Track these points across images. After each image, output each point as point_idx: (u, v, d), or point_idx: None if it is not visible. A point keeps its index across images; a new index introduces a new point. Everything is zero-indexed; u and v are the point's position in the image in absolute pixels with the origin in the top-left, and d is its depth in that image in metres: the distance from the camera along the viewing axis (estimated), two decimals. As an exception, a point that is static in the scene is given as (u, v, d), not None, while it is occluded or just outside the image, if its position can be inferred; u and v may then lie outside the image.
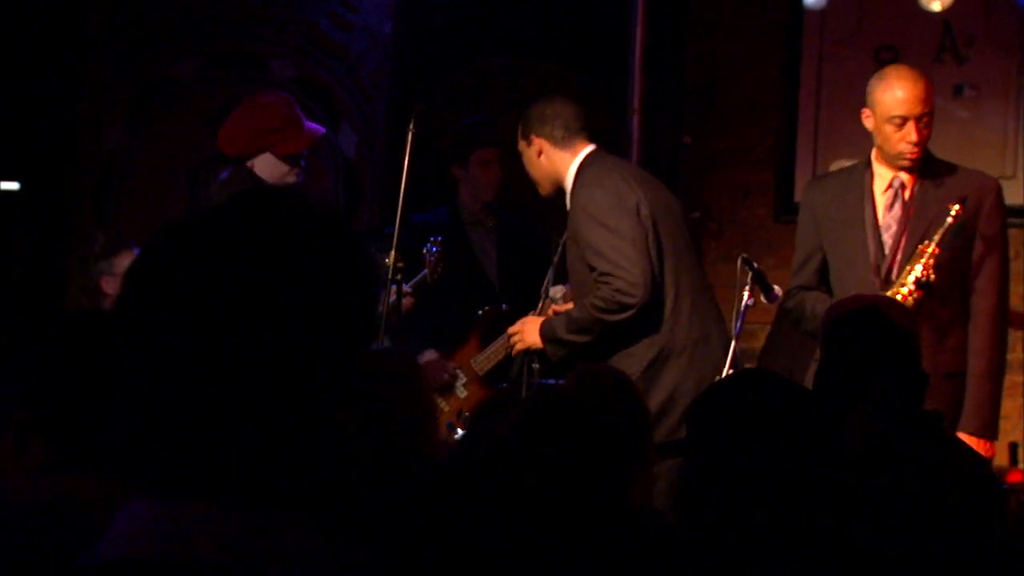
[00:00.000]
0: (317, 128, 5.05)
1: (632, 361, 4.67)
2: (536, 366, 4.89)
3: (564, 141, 4.82)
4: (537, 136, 4.83)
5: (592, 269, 4.64)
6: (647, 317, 4.67)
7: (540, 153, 4.84)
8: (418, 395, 3.42)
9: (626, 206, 4.67)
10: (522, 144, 4.90)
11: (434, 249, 5.37)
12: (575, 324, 4.70)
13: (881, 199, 4.68)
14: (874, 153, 4.70)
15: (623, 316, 4.60)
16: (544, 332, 4.80)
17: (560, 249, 5.02)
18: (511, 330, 4.97)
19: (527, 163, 4.90)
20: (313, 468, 1.30)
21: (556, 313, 4.91)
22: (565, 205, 4.88)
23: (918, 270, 4.46)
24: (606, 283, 4.59)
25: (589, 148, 4.84)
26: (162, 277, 1.29)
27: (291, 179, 4.97)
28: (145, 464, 1.28)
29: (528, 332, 4.86)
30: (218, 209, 1.32)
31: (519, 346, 4.91)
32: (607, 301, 4.59)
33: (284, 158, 4.87)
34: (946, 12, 6.04)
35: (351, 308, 1.31)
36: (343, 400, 1.31)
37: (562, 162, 4.83)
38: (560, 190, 4.89)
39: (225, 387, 1.26)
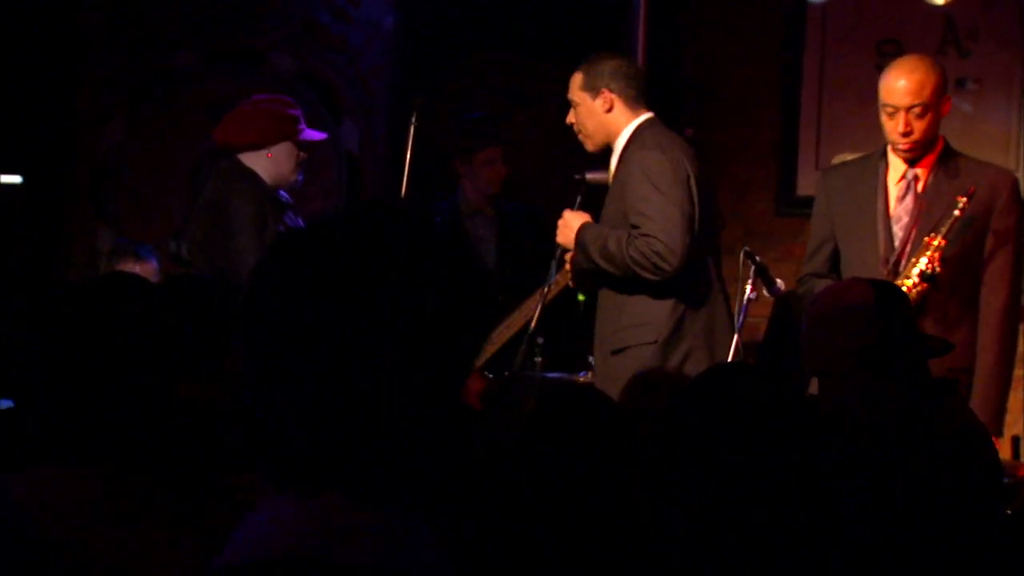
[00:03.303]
0: (316, 132, 5.07)
1: (650, 330, 4.66)
2: (539, 359, 4.88)
3: (633, 101, 4.79)
4: (610, 91, 4.78)
5: (635, 227, 4.62)
6: (677, 289, 4.64)
7: (610, 108, 4.79)
8: None
9: (682, 177, 4.65)
10: (583, 95, 4.82)
11: None
12: (607, 254, 4.65)
13: (894, 190, 4.66)
14: (889, 144, 4.69)
15: (653, 277, 4.58)
16: (580, 237, 4.74)
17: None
18: (560, 222, 4.85)
19: (585, 114, 4.83)
20: (440, 465, 1.31)
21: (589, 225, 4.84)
22: (574, 197, 4.87)
23: (923, 263, 4.44)
24: (646, 242, 4.57)
25: (649, 114, 4.82)
26: (305, 271, 1.31)
27: (293, 177, 4.99)
28: (283, 461, 1.30)
29: (569, 227, 4.80)
30: (355, 213, 1.35)
31: (559, 238, 4.85)
32: (644, 256, 4.55)
33: (299, 147, 4.92)
34: (948, 5, 6.03)
35: (473, 308, 1.34)
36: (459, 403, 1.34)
37: (624, 121, 4.79)
38: (603, 148, 4.86)
39: (363, 383, 1.28)
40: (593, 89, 4.80)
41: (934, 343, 3.60)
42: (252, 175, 4.88)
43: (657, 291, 4.65)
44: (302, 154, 4.98)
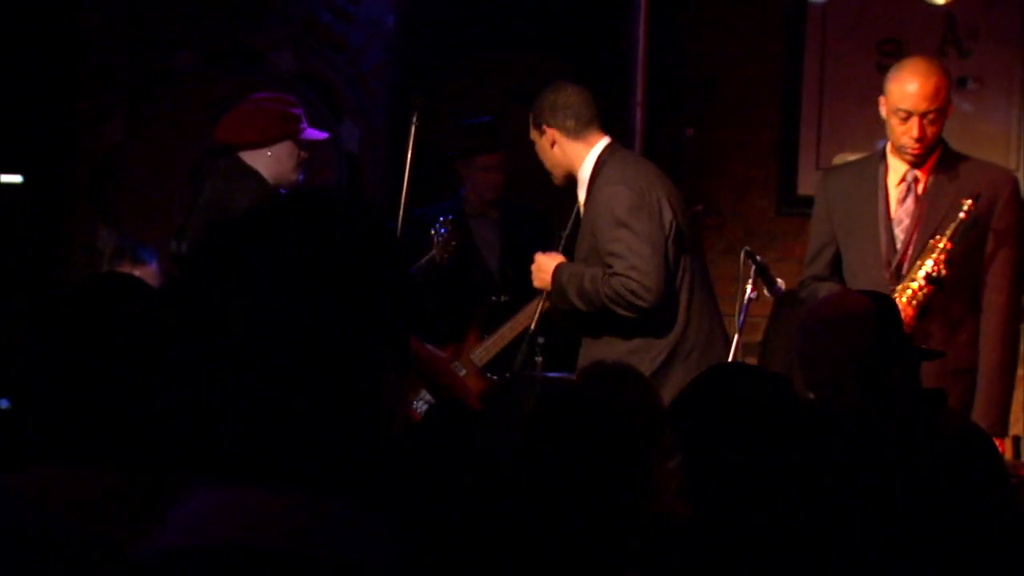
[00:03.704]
0: (318, 132, 5.05)
1: (644, 358, 4.65)
2: (539, 359, 4.88)
3: (576, 132, 4.78)
4: (549, 126, 4.79)
5: (608, 266, 4.61)
6: (662, 315, 4.64)
7: (553, 143, 4.79)
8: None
9: (649, 207, 4.62)
10: (534, 133, 4.85)
11: (443, 230, 5.35)
12: (584, 294, 4.65)
13: (894, 192, 4.65)
14: (888, 145, 4.67)
15: (630, 315, 4.59)
16: (556, 280, 4.75)
17: (562, 242, 5.00)
18: (534, 266, 4.88)
19: (540, 152, 4.86)
20: (368, 453, 1.31)
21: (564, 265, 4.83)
22: (576, 196, 4.85)
23: (928, 265, 4.43)
24: (620, 281, 4.56)
25: (605, 141, 4.79)
26: (232, 267, 1.31)
27: (293, 176, 4.96)
28: (207, 453, 1.29)
29: (544, 270, 4.80)
30: (279, 202, 1.34)
31: (535, 282, 4.86)
32: (619, 296, 4.55)
33: (300, 146, 4.89)
34: (948, 5, 6.03)
35: (397, 297, 1.34)
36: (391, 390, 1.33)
37: (575, 153, 4.78)
38: (571, 179, 4.86)
39: (285, 375, 1.28)
40: (538, 127, 4.83)
41: (927, 348, 3.61)
42: (253, 173, 4.85)
43: (644, 321, 4.64)
44: (303, 153, 4.95)
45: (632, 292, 4.53)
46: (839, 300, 3.44)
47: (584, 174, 4.77)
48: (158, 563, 1.27)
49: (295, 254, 1.30)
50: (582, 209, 4.82)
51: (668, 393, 4.57)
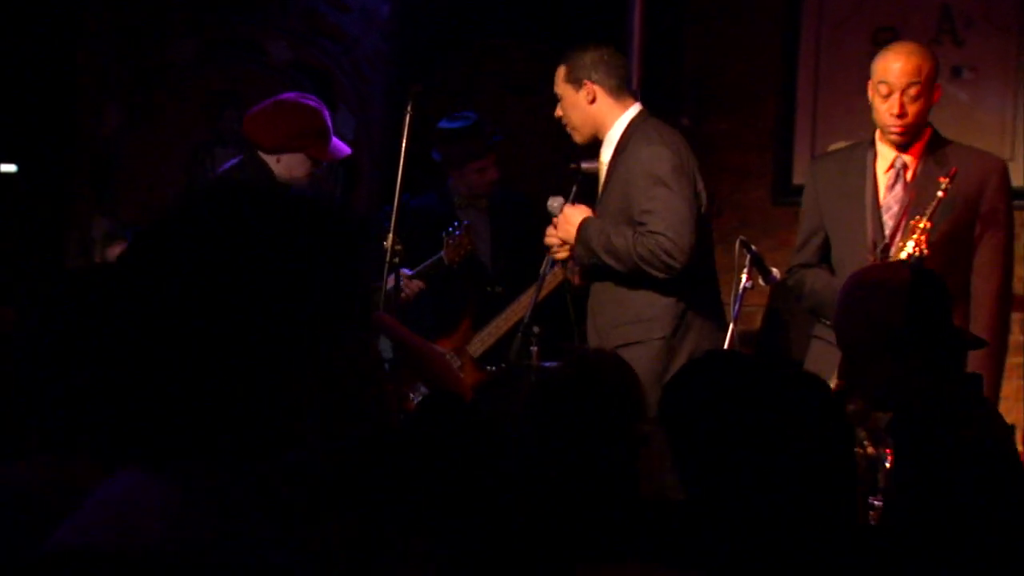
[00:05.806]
0: (343, 147, 5.10)
1: (656, 326, 4.68)
2: (535, 348, 4.88)
3: (616, 91, 4.81)
4: (592, 82, 4.80)
5: (642, 224, 4.62)
6: (679, 282, 4.66)
7: (593, 99, 4.80)
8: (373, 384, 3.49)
9: (687, 170, 4.68)
10: (567, 88, 4.84)
11: (456, 233, 5.40)
12: (612, 249, 4.67)
13: (883, 179, 4.65)
14: (877, 132, 4.68)
15: (661, 275, 4.60)
16: (581, 233, 4.75)
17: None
18: (561, 217, 4.83)
19: (569, 107, 4.85)
20: (284, 444, 1.29)
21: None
22: (600, 157, 4.86)
23: (909, 246, 4.43)
24: (655, 240, 4.57)
25: (639, 107, 4.85)
26: (150, 260, 1.29)
27: (303, 183, 5.06)
28: (117, 441, 1.28)
29: (570, 222, 4.79)
30: (215, 192, 1.32)
31: (560, 232, 4.82)
32: (653, 255, 4.57)
33: (313, 161, 4.98)
34: (944, -7, 6.04)
35: (332, 286, 1.32)
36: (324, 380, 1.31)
37: (610, 112, 4.81)
38: (592, 139, 4.87)
39: (199, 364, 1.26)
40: (576, 81, 4.81)
41: (967, 336, 3.53)
42: (266, 171, 4.95)
43: (659, 285, 4.65)
44: (314, 165, 5.04)
45: (666, 252, 4.55)
46: (878, 272, 3.39)
47: (614, 135, 4.80)
48: (51, 560, 1.25)
49: (200, 245, 1.28)
50: (603, 169, 4.83)
51: (679, 361, 4.61)
